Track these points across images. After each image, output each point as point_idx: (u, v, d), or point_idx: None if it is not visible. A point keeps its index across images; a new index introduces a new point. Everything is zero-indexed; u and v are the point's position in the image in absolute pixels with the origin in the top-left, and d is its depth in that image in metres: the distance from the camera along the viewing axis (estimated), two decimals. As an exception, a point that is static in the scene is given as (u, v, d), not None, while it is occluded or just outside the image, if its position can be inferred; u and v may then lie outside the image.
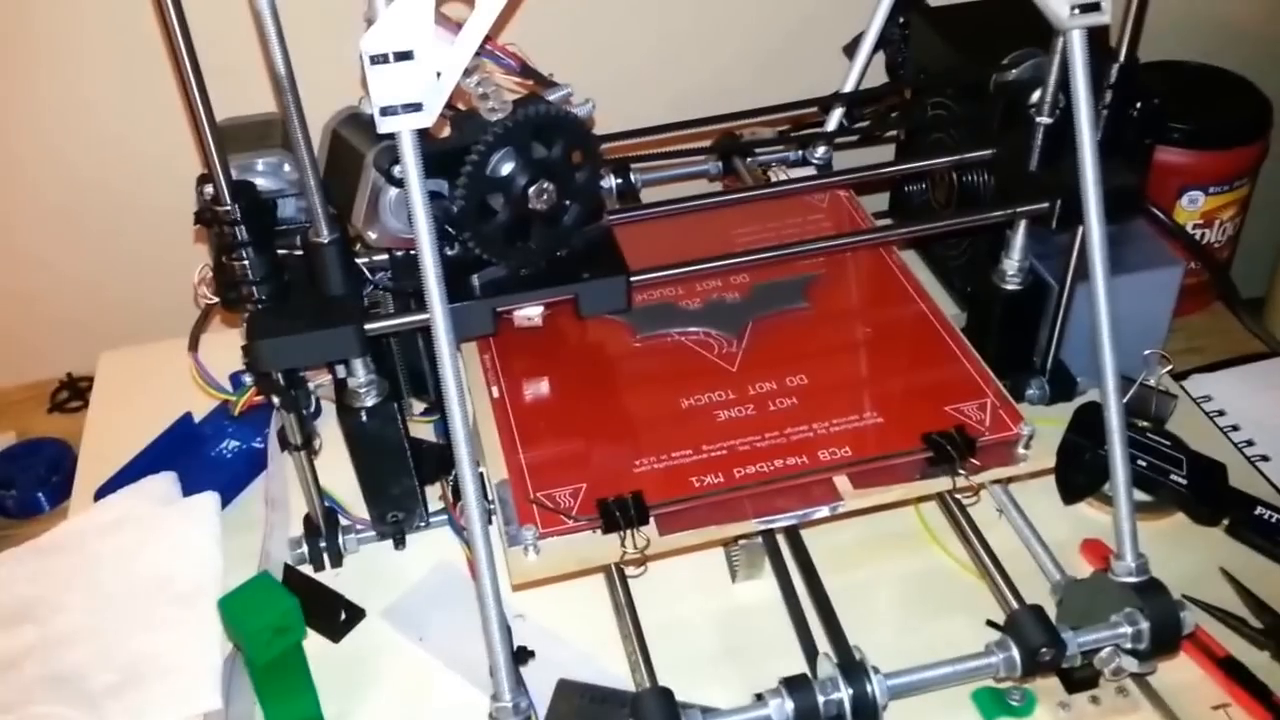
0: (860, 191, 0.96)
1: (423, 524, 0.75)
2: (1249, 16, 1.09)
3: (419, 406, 0.81)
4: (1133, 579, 0.61)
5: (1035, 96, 0.73)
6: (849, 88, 0.88)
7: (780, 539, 0.67)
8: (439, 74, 0.53)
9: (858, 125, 0.95)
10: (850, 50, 0.98)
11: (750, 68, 1.02)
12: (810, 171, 0.87)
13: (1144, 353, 0.85)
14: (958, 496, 0.68)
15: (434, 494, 0.76)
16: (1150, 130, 0.84)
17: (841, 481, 0.65)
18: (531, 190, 0.62)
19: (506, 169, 0.62)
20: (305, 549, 0.74)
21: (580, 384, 0.72)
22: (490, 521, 0.63)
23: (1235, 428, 0.87)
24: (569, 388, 0.72)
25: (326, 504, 0.74)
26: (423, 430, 0.79)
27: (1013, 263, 0.77)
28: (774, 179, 0.85)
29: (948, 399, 0.69)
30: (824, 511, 0.64)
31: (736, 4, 1.00)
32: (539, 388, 0.72)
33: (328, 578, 0.74)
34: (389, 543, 0.75)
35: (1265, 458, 0.84)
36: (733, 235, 0.81)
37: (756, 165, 0.93)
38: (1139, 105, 0.82)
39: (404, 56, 0.52)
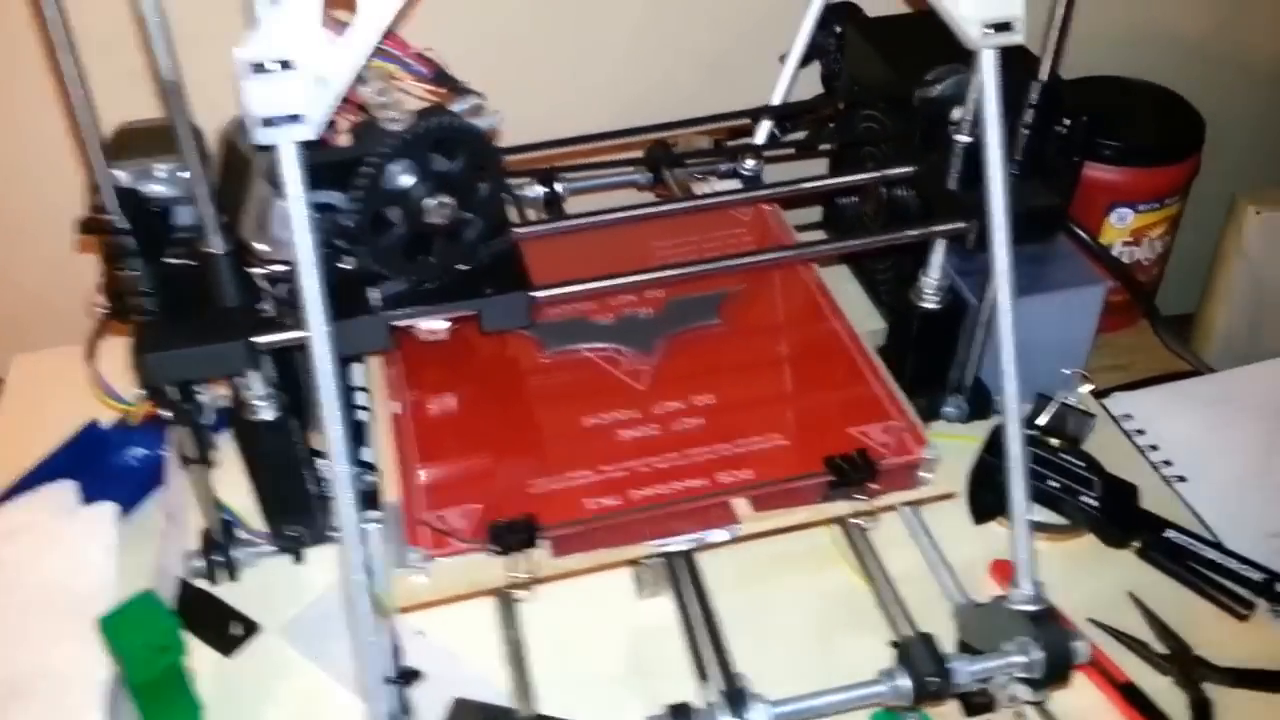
0: (795, 204, 0.95)
1: (324, 539, 0.74)
2: (1183, 31, 1.09)
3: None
4: (1028, 607, 0.60)
5: (957, 114, 0.73)
6: (776, 100, 0.86)
7: (681, 559, 0.66)
8: (324, 83, 0.52)
9: (790, 138, 0.94)
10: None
11: (690, 76, 1.01)
12: (736, 184, 0.86)
13: (1063, 371, 0.85)
14: (857, 521, 0.67)
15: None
16: (1078, 148, 0.83)
17: (741, 504, 0.64)
18: (430, 204, 0.61)
19: (404, 182, 0.61)
20: (201, 562, 0.72)
21: (484, 400, 0.70)
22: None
23: (1154, 447, 0.86)
24: (472, 404, 0.70)
25: (224, 517, 0.73)
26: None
27: (931, 281, 0.76)
28: (698, 191, 0.84)
29: (853, 420, 0.68)
30: (722, 535, 0.63)
31: (676, 12, 0.98)
32: (442, 403, 0.70)
33: (228, 592, 0.72)
34: (292, 558, 0.74)
35: (1182, 478, 0.84)
36: (652, 248, 0.79)
37: (688, 176, 0.93)
38: (1067, 123, 0.82)
39: (284, 65, 0.50)
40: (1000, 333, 0.61)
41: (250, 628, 0.70)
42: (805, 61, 0.97)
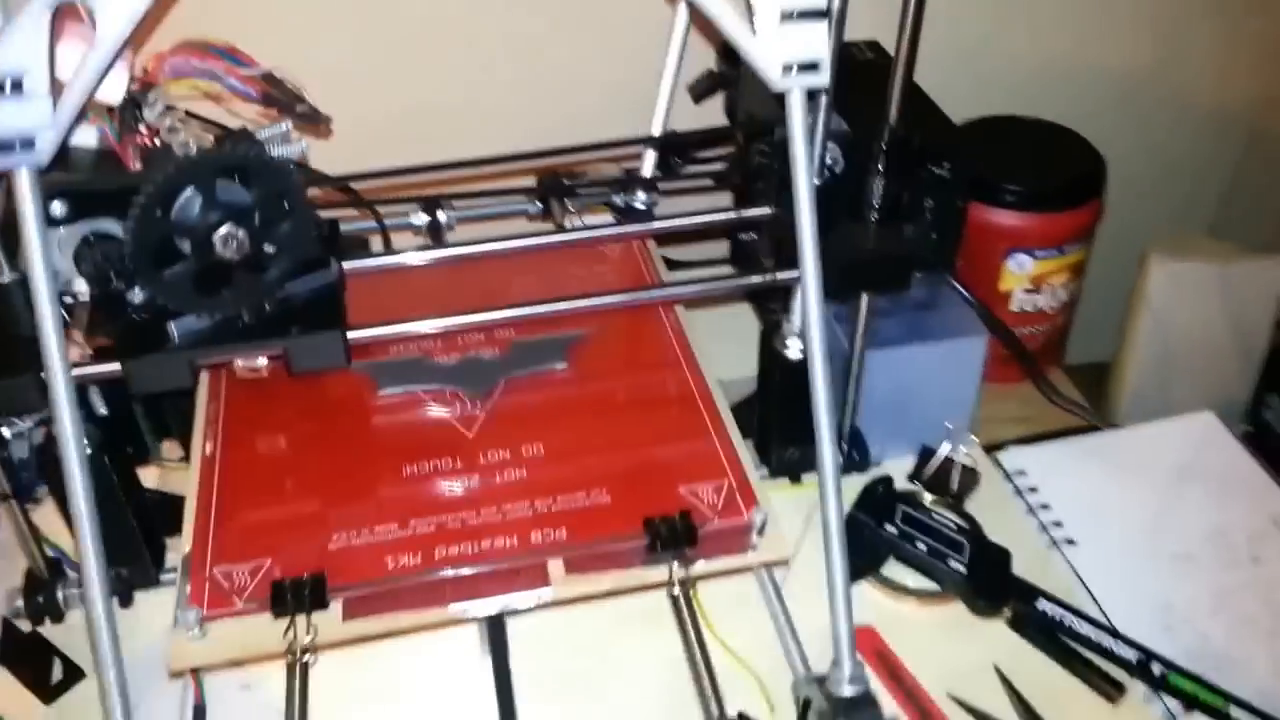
0: (701, 238, 0.91)
1: (154, 582, 0.69)
2: (1088, 70, 1.05)
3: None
4: (845, 691, 0.56)
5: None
6: (656, 130, 0.83)
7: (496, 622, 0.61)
8: (61, 104, 0.48)
9: (689, 170, 0.90)
10: (695, 90, 0.94)
11: (598, 102, 0.97)
12: (609, 218, 0.82)
13: (945, 424, 0.80)
14: (676, 590, 0.63)
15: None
16: (962, 192, 0.80)
17: (556, 566, 0.60)
18: (218, 236, 0.57)
19: (191, 212, 0.57)
20: (22, 602, 0.68)
21: (299, 444, 0.66)
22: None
23: (1046, 506, 0.82)
24: (286, 447, 0.66)
25: (52, 554, 0.69)
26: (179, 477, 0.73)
27: (793, 329, 0.72)
28: (577, 223, 0.80)
29: (685, 478, 0.63)
30: (530, 600, 0.59)
31: (582, 35, 0.95)
32: (253, 445, 0.66)
33: (54, 634, 0.68)
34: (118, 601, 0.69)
35: (1072, 541, 0.79)
36: (509, 283, 0.75)
37: (583, 207, 0.89)
38: (947, 166, 0.78)
39: (15, 86, 0.47)
40: (815, 389, 0.57)
41: (74, 673, 0.66)
42: (710, 92, 0.94)
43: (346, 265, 0.66)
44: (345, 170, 0.74)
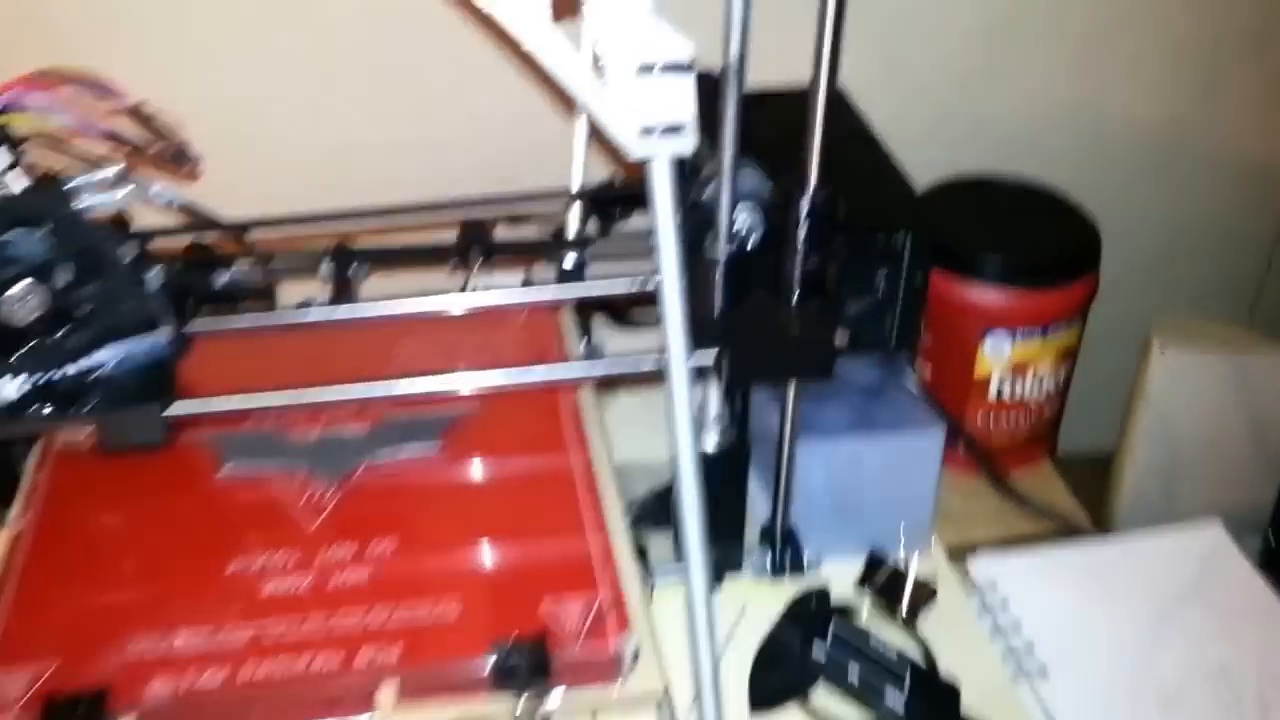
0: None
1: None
2: (1082, 126, 0.95)
3: None
4: None
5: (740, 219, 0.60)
6: (575, 186, 0.75)
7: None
8: None
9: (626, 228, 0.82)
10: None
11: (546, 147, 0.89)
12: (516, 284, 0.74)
13: (900, 525, 0.71)
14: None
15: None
16: (917, 265, 0.70)
17: (386, 692, 0.51)
18: (9, 294, 0.50)
19: (-23, 266, 0.50)
20: None
21: (119, 527, 0.58)
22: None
23: (1017, 627, 0.71)
24: (103, 530, 0.58)
25: None
26: None
27: (706, 416, 0.63)
28: (479, 285, 0.72)
29: (550, 590, 0.54)
30: (350, 730, 0.50)
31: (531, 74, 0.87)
32: (69, 525, 0.58)
33: None
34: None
35: (1044, 671, 0.69)
36: (398, 346, 0.67)
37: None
38: (903, 233, 0.69)
39: None
40: (680, 493, 0.48)
41: None
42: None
43: (202, 326, 0.59)
44: (254, 213, 0.67)
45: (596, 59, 0.46)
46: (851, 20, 0.79)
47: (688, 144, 0.45)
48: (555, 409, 0.64)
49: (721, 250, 0.57)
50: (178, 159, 0.63)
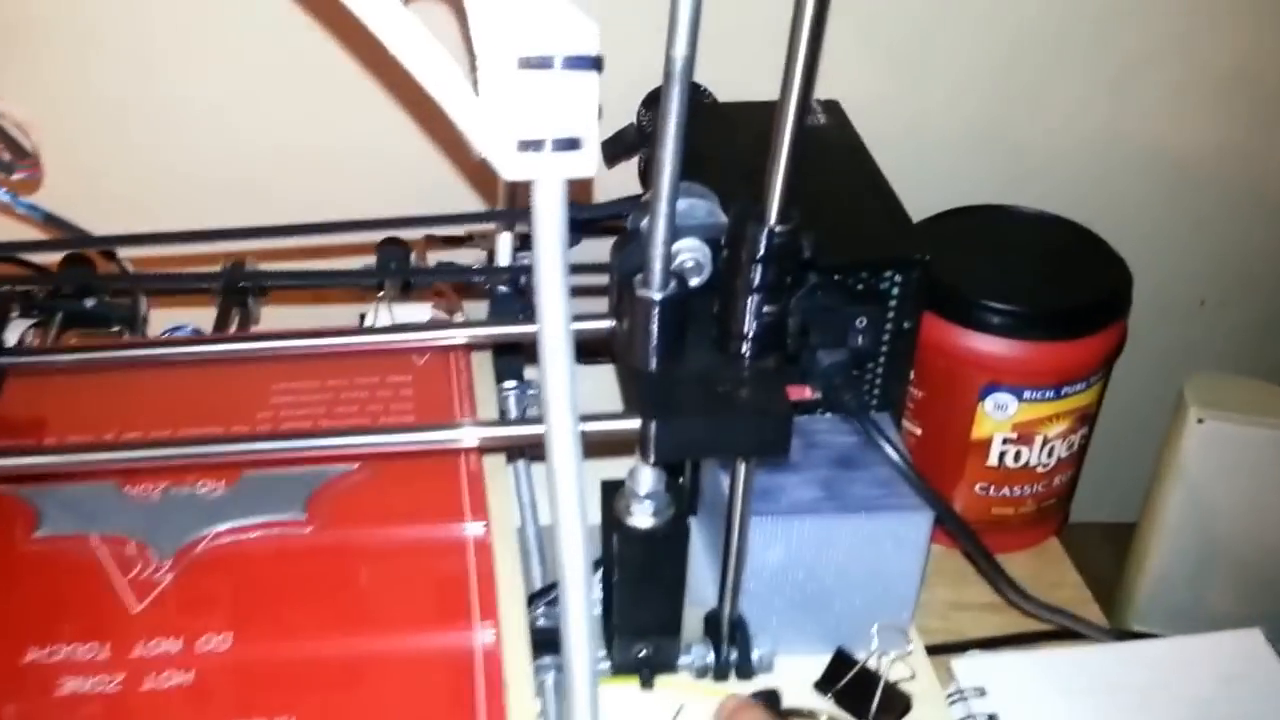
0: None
1: None
2: (1109, 148, 0.83)
3: None
4: None
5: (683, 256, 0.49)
6: (501, 203, 0.64)
7: None
8: None
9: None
10: (608, 149, 0.75)
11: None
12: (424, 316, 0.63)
13: (874, 625, 0.60)
14: None
15: None
16: (907, 308, 0.60)
17: (189, 836, 0.41)
18: None
19: None
20: None
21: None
22: None
23: (1007, 747, 0.60)
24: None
25: None
26: None
27: (637, 491, 0.52)
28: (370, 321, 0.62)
29: (412, 710, 0.44)
30: None
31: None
32: None
33: None
34: None
35: (1034, 804, 0.57)
36: (269, 393, 0.57)
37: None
38: (891, 275, 0.58)
39: None
40: (563, 595, 0.37)
41: None
42: (628, 152, 0.75)
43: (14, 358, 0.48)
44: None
45: (470, 52, 0.35)
46: (861, 31, 0.68)
47: (585, 164, 0.34)
48: (450, 471, 0.54)
49: (654, 289, 0.46)
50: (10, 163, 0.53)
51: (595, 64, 0.35)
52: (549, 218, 0.34)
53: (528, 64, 0.34)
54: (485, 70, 0.34)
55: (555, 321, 0.35)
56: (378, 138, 0.74)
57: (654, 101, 0.73)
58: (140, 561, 0.49)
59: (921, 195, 0.63)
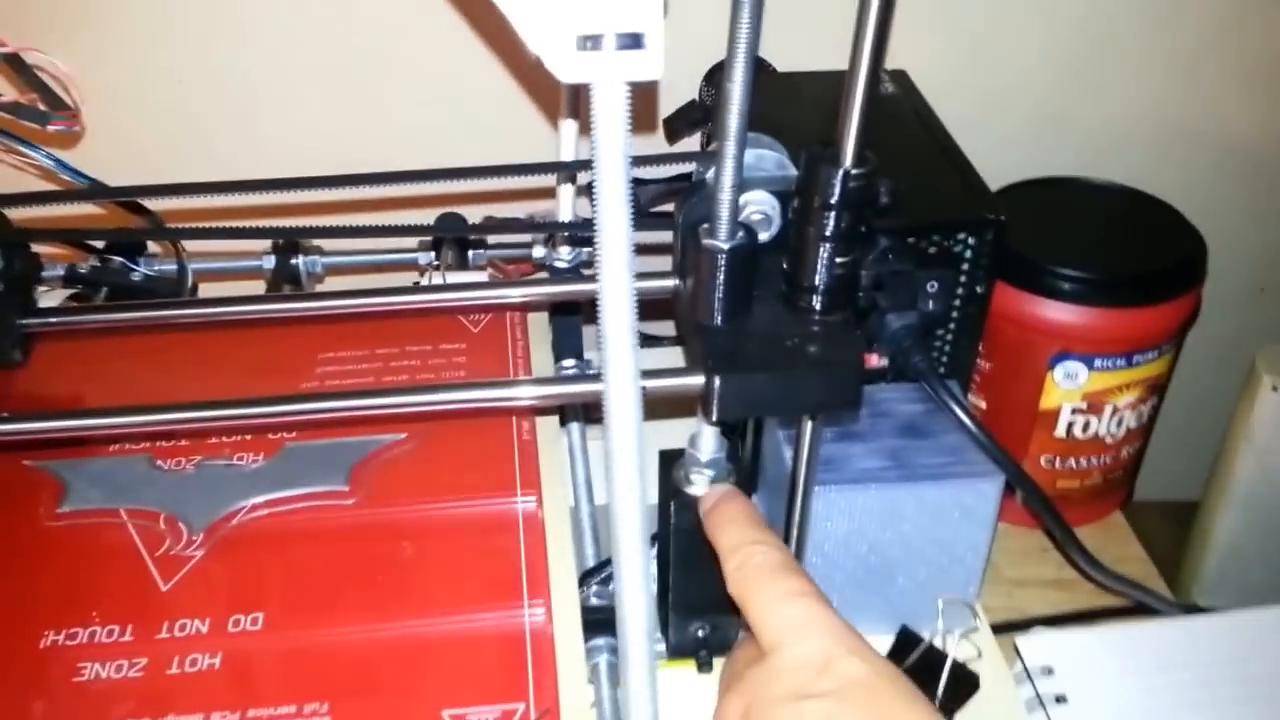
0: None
1: None
2: (1191, 123, 0.76)
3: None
4: None
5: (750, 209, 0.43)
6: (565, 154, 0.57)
7: None
8: None
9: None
10: (671, 125, 0.69)
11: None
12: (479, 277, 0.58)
13: (940, 600, 0.53)
14: None
15: None
16: (979, 273, 0.53)
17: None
18: None
19: None
20: None
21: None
22: None
23: (1077, 726, 0.54)
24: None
25: None
26: None
27: (698, 458, 0.45)
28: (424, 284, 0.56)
29: (457, 693, 0.38)
30: None
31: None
32: None
33: None
34: None
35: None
36: (314, 362, 0.51)
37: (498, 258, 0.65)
38: (963, 236, 0.51)
39: None
40: (617, 569, 0.31)
41: None
42: (692, 128, 0.69)
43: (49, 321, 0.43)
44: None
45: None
46: (927, 5, 0.62)
47: (649, 65, 0.28)
48: (505, 438, 0.48)
49: (720, 238, 0.40)
50: (38, 118, 0.48)
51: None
52: (611, 125, 0.28)
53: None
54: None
55: (618, 252, 0.29)
56: (437, 111, 0.68)
57: (714, 76, 0.67)
58: (170, 537, 0.44)
59: (985, 172, 0.57)
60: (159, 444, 0.47)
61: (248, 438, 0.47)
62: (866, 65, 0.37)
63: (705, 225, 0.40)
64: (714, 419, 0.41)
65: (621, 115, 0.28)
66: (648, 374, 0.38)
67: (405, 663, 0.39)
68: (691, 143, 0.69)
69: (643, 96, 0.31)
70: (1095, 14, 0.71)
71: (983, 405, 0.64)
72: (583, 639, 0.43)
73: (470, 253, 0.66)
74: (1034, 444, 0.63)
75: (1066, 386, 0.61)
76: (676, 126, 0.69)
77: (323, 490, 0.45)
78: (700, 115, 0.68)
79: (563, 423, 0.52)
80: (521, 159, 0.69)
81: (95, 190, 0.51)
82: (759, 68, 0.68)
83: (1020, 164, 0.69)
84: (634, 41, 0.28)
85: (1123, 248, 0.62)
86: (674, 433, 0.46)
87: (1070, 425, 0.62)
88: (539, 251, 0.64)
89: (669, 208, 0.46)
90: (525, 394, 0.42)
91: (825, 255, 0.41)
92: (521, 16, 0.28)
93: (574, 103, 0.55)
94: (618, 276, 0.30)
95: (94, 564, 0.43)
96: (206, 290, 0.65)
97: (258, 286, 0.63)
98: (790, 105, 0.61)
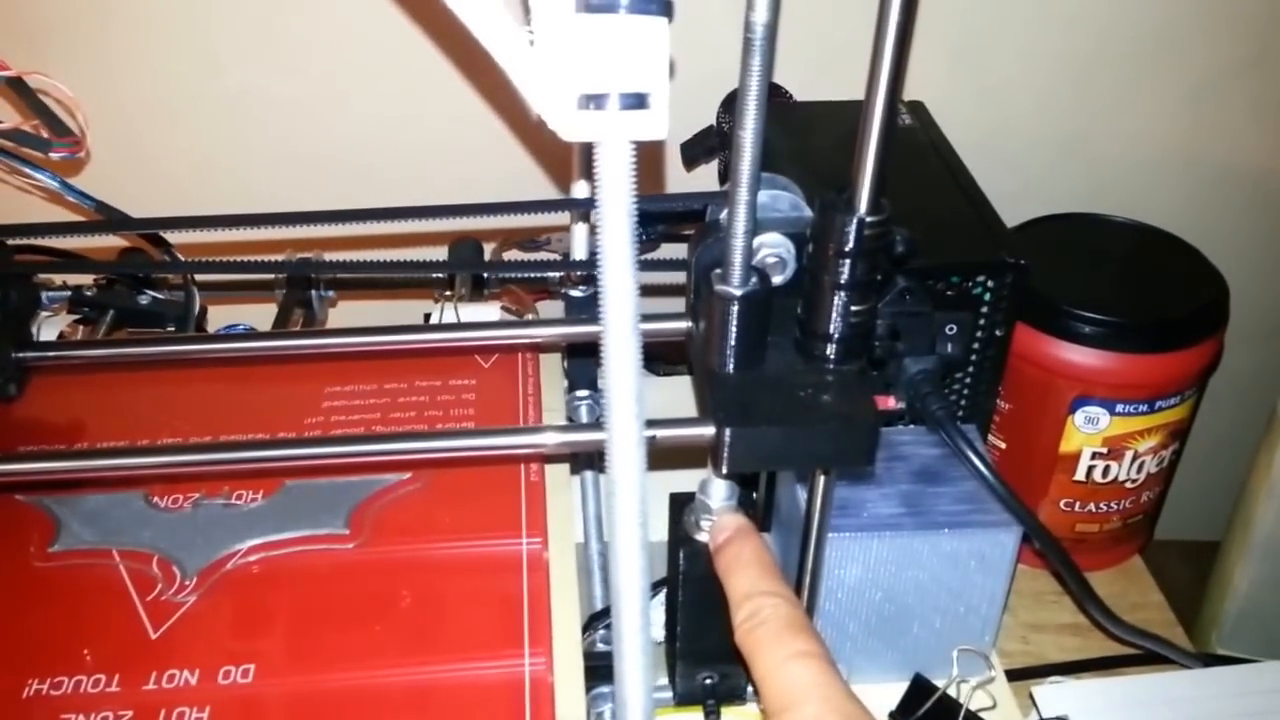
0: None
1: None
2: (1195, 170, 0.72)
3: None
4: None
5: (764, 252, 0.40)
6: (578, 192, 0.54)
7: None
8: None
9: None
10: (688, 151, 0.65)
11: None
12: (492, 316, 0.54)
13: (954, 651, 0.50)
14: None
15: None
16: (999, 315, 0.49)
17: None
18: None
19: None
20: None
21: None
22: None
23: (1091, 784, 0.50)
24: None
25: None
26: None
27: (708, 504, 0.42)
28: (437, 309, 0.53)
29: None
30: None
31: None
32: None
33: None
34: None
35: None
36: (320, 397, 0.48)
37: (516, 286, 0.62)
38: (983, 279, 0.48)
39: None
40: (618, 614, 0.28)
41: None
42: (709, 155, 0.65)
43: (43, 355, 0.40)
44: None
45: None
46: (934, 33, 0.59)
47: (654, 124, 0.24)
48: (513, 480, 0.44)
49: (733, 285, 0.36)
50: (39, 145, 0.45)
51: (665, 8, 0.25)
52: (615, 184, 0.25)
53: (588, 7, 0.24)
54: (540, 15, 0.25)
55: (621, 300, 0.25)
56: (448, 133, 0.65)
57: (732, 103, 0.64)
58: (162, 581, 0.40)
59: (999, 204, 0.53)
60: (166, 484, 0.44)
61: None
62: (882, 108, 0.33)
63: (718, 270, 0.37)
64: (724, 472, 0.38)
65: (626, 176, 0.25)
66: (657, 423, 0.34)
67: (401, 714, 0.36)
68: (701, 182, 0.65)
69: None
70: (1114, 46, 0.67)
71: (1002, 445, 0.60)
72: (584, 688, 0.40)
73: (485, 275, 0.63)
74: (1054, 487, 0.59)
75: (1087, 430, 0.57)
76: (693, 154, 0.65)
77: (322, 534, 0.42)
78: (716, 142, 0.65)
79: (574, 470, 0.49)
80: (539, 168, 0.67)
81: (100, 224, 0.48)
82: (776, 94, 0.65)
83: (1031, 197, 0.65)
84: (639, 101, 0.24)
85: (1145, 290, 0.58)
86: (689, 482, 0.42)
87: (1090, 469, 0.58)
88: (554, 274, 0.61)
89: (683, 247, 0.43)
90: (535, 439, 0.39)
91: (840, 303, 0.37)
92: (521, 74, 0.24)
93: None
94: (623, 334, 0.26)
95: (83, 608, 0.39)
96: (216, 313, 0.62)
97: (269, 309, 0.60)
98: (805, 137, 0.57)
